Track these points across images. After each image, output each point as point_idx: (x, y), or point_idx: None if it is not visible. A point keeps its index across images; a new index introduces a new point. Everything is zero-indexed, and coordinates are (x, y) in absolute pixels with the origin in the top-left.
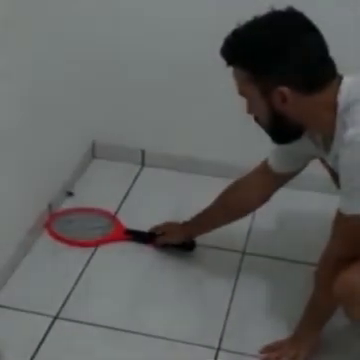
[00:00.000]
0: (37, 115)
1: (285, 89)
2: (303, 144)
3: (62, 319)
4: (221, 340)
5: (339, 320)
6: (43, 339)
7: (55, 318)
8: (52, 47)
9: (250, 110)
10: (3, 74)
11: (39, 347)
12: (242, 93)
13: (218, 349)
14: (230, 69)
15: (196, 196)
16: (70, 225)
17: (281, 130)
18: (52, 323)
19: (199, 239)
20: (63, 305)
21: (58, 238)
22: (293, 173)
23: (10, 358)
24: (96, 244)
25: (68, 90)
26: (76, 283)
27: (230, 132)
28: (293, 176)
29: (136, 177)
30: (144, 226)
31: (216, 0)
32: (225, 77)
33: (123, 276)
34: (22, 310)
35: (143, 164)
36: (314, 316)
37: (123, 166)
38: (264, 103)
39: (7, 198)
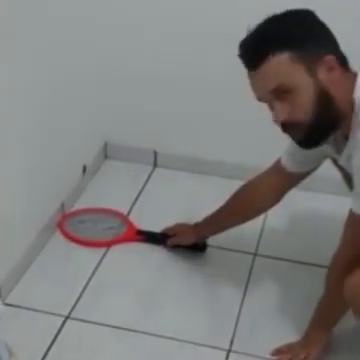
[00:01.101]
0: (50, 116)
1: (331, 57)
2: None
3: (73, 319)
4: (232, 342)
5: (349, 321)
6: (54, 339)
7: (67, 318)
8: (64, 48)
9: (290, 105)
10: (16, 75)
11: (50, 347)
12: (279, 86)
13: (229, 351)
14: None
15: (208, 197)
16: (82, 225)
17: (323, 125)
18: (63, 323)
19: (211, 240)
20: (75, 305)
21: (70, 238)
22: (307, 173)
23: (21, 357)
24: (108, 244)
25: (81, 91)
26: (88, 283)
27: (243, 134)
28: (306, 176)
29: (148, 178)
30: (156, 227)
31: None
32: (239, 80)
33: (134, 276)
34: (34, 310)
35: (155, 165)
36: (324, 317)
37: (135, 167)
38: (311, 82)
39: (20, 198)
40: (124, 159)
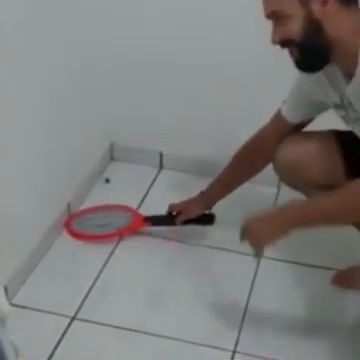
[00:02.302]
0: (56, 117)
1: None
2: (318, 84)
3: (79, 320)
4: (237, 343)
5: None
6: (60, 339)
7: (73, 318)
8: (69, 49)
9: (279, 31)
10: (22, 77)
11: (56, 347)
12: (276, 9)
13: (234, 351)
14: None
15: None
16: (89, 222)
17: (312, 47)
18: (69, 323)
19: (216, 242)
20: (81, 306)
21: (79, 236)
22: (307, 122)
23: (28, 357)
24: (117, 235)
25: (86, 93)
26: (94, 284)
27: (249, 136)
28: (306, 125)
29: (154, 179)
30: (162, 229)
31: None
32: (245, 83)
33: (140, 277)
34: (40, 310)
35: (161, 166)
36: (309, 210)
37: (141, 168)
38: (303, 11)
39: (26, 199)
40: (130, 161)
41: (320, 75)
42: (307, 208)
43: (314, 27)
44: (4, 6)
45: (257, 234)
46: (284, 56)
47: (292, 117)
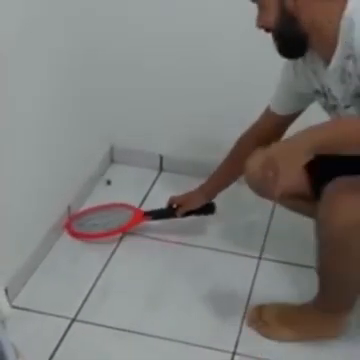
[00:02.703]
0: (56, 120)
1: None
2: (303, 74)
3: (79, 321)
4: (237, 344)
5: None
6: (61, 341)
7: (73, 320)
8: (70, 52)
9: (260, 19)
10: (22, 79)
11: (57, 349)
12: None
13: (233, 353)
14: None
15: (214, 201)
16: (90, 222)
17: (289, 36)
18: (70, 325)
19: (216, 243)
20: (81, 307)
21: (80, 236)
22: (297, 113)
23: (28, 359)
24: (118, 232)
25: (86, 95)
26: (94, 285)
27: None
28: (296, 117)
29: (154, 182)
30: (161, 231)
31: None
32: (245, 84)
33: (140, 278)
34: (40, 312)
35: (161, 169)
36: (331, 134)
37: (141, 171)
38: (277, 3)
39: (27, 200)
40: (130, 163)
41: (303, 64)
42: (330, 132)
43: (289, 18)
44: (9, 10)
45: (286, 164)
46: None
47: (280, 111)
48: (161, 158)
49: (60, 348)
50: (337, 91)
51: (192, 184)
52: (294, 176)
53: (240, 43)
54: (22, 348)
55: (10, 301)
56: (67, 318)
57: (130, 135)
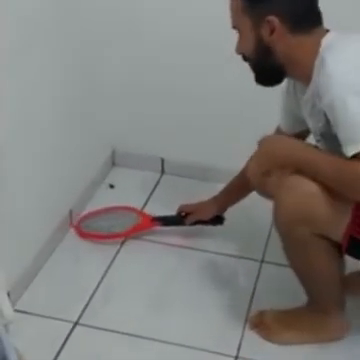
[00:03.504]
0: (58, 124)
1: (274, 19)
2: (294, 97)
3: (82, 325)
4: (239, 348)
5: None
6: (63, 345)
7: (75, 324)
8: (72, 58)
9: (239, 46)
10: (23, 84)
11: (59, 353)
12: (235, 25)
13: (236, 357)
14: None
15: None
16: (98, 223)
17: (265, 67)
18: (72, 329)
19: (218, 247)
20: (83, 311)
21: (88, 236)
22: (305, 131)
23: None
24: (126, 235)
25: (88, 99)
26: (96, 289)
27: (250, 141)
28: (307, 135)
29: (156, 185)
30: (162, 234)
31: None
32: (246, 88)
33: (142, 282)
34: (43, 316)
35: (163, 172)
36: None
37: (143, 174)
38: (254, 35)
39: (29, 204)
40: (131, 167)
41: (292, 87)
42: (308, 158)
43: (264, 50)
44: (9, 10)
45: (262, 155)
46: None
47: (288, 130)
48: (163, 161)
49: (63, 352)
50: (309, 123)
51: (193, 187)
52: (264, 166)
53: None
54: (25, 352)
55: (12, 305)
56: (69, 322)
57: (132, 138)
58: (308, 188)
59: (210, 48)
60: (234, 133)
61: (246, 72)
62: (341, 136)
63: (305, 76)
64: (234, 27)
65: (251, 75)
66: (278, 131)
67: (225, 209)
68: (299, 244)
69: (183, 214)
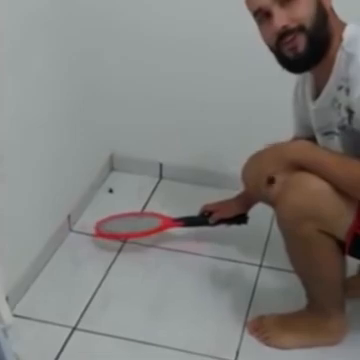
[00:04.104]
0: (56, 128)
1: None
2: (301, 105)
3: (80, 330)
4: (238, 353)
5: None
6: (61, 350)
7: (74, 329)
8: (71, 62)
9: (298, 13)
10: (22, 88)
11: (57, 358)
12: None
13: None
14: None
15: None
16: (119, 226)
17: (320, 37)
18: (70, 334)
19: (217, 252)
20: (81, 316)
21: (111, 236)
22: None
23: None
24: (149, 234)
25: (87, 104)
26: (95, 294)
27: (248, 146)
28: None
29: (154, 190)
30: (162, 238)
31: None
32: (244, 92)
33: (141, 287)
34: (42, 321)
35: (161, 177)
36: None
37: (141, 179)
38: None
39: (28, 209)
40: (130, 171)
41: (301, 91)
42: (317, 159)
43: (323, 17)
44: (10, 10)
45: (268, 158)
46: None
47: (302, 136)
48: (161, 166)
49: (61, 357)
50: (315, 121)
51: (192, 192)
52: (270, 168)
53: (242, 52)
54: (23, 357)
55: (11, 309)
56: (68, 327)
57: (130, 143)
58: (314, 184)
59: (209, 55)
60: (232, 138)
61: (245, 79)
62: None
63: (326, 67)
64: None
65: (250, 81)
66: (295, 136)
67: (249, 207)
68: (303, 242)
69: (206, 214)
